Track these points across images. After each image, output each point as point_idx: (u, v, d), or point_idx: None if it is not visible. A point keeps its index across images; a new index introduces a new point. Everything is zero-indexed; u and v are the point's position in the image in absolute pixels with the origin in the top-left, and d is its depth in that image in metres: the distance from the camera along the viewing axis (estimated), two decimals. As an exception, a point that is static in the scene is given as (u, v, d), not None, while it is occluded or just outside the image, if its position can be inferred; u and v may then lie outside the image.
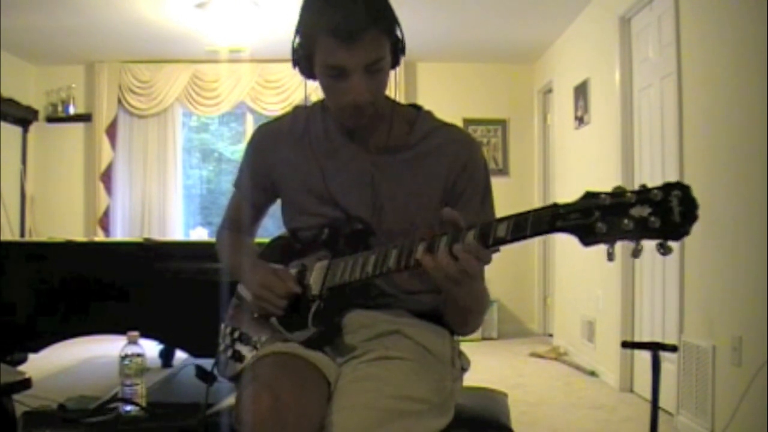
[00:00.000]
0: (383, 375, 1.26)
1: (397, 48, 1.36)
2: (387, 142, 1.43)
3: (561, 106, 5.53)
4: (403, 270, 1.18)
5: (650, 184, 0.93)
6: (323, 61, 1.30)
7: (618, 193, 0.94)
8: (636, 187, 0.94)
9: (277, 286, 1.35)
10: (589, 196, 0.96)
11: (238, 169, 1.59)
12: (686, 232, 0.91)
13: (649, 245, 0.95)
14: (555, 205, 0.99)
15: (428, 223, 1.38)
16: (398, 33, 1.36)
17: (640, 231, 0.92)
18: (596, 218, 0.94)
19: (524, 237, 1.03)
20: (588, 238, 0.95)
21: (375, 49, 1.29)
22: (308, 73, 1.38)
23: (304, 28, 1.34)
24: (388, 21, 1.32)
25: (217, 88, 6.22)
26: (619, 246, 0.96)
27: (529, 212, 1.03)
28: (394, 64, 1.38)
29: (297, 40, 1.37)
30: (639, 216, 0.91)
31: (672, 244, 0.92)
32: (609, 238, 0.94)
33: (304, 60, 1.36)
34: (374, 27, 1.27)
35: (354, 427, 1.17)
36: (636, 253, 0.95)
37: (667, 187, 0.91)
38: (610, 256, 0.96)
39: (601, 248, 0.97)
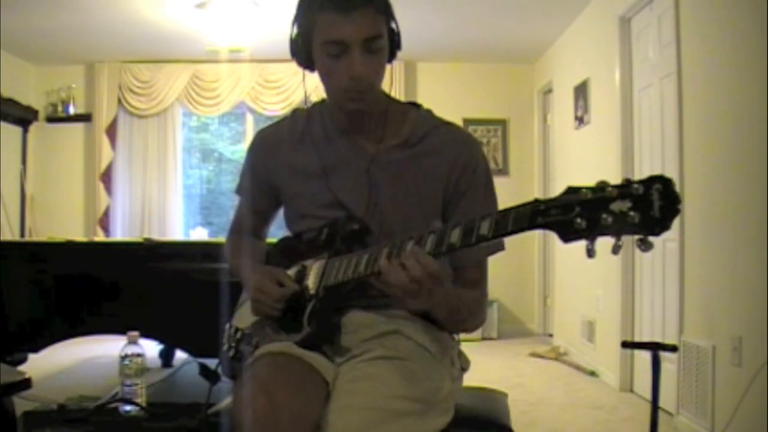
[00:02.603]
0: (382, 375, 1.26)
1: (393, 39, 1.38)
2: (386, 141, 1.43)
3: (561, 106, 5.53)
4: None
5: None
6: (323, 39, 1.31)
7: (599, 187, 0.92)
8: None
9: (272, 289, 1.35)
10: (571, 191, 0.94)
11: (240, 175, 1.60)
12: (666, 227, 0.89)
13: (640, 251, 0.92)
14: (536, 201, 0.98)
15: (427, 221, 1.38)
16: (394, 25, 1.38)
17: (620, 226, 0.90)
18: (576, 214, 0.92)
19: (506, 234, 1.02)
20: (567, 234, 0.94)
21: (373, 25, 1.31)
22: (307, 61, 1.39)
23: (302, 11, 1.36)
24: (385, 4, 1.35)
25: (217, 88, 6.22)
26: (623, 244, 0.94)
27: (511, 209, 1.02)
28: (390, 57, 1.39)
29: (295, 29, 1.39)
30: (619, 211, 0.89)
31: (669, 244, 0.91)
32: (589, 234, 0.92)
33: (303, 47, 1.37)
34: (372, 4, 1.30)
35: (352, 427, 1.17)
36: (616, 249, 0.93)
37: (649, 181, 0.89)
38: (590, 253, 0.93)
39: (603, 247, 0.95)
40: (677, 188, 0.91)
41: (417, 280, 1.10)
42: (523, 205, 1.00)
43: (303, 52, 1.38)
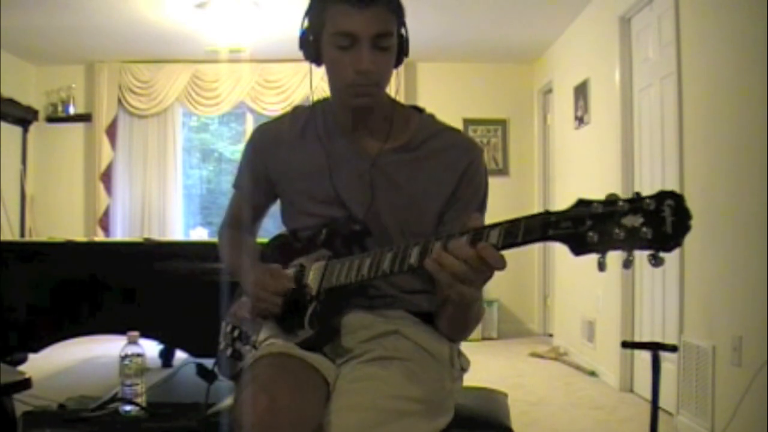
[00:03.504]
0: (382, 375, 1.26)
1: (402, 44, 1.38)
2: (387, 144, 1.43)
3: (561, 106, 5.53)
4: (397, 274, 1.18)
5: (650, 186, 0.91)
6: (333, 29, 1.31)
7: (610, 201, 0.92)
8: (635, 188, 0.93)
9: (271, 285, 1.35)
10: (582, 203, 0.94)
11: (237, 169, 1.60)
12: (678, 244, 0.88)
13: (642, 253, 0.92)
14: (547, 213, 0.98)
15: (424, 225, 1.38)
16: (404, 31, 1.39)
17: (632, 241, 0.90)
18: (588, 227, 0.92)
19: (515, 245, 1.01)
20: (579, 247, 0.94)
21: (384, 21, 1.31)
22: (314, 55, 1.39)
23: (316, 2, 1.37)
24: (399, 6, 1.36)
25: (217, 88, 6.22)
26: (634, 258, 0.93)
27: (520, 219, 1.01)
28: (397, 63, 1.39)
29: (306, 20, 1.40)
30: (631, 226, 0.89)
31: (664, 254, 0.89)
32: (600, 248, 0.92)
33: (313, 39, 1.37)
34: (387, 1, 1.31)
35: (353, 427, 1.17)
36: (627, 264, 0.92)
37: (661, 196, 0.89)
38: (601, 266, 0.94)
39: (609, 254, 0.94)
40: (684, 198, 0.90)
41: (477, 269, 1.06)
42: (534, 216, 0.99)
43: (311, 44, 1.38)
